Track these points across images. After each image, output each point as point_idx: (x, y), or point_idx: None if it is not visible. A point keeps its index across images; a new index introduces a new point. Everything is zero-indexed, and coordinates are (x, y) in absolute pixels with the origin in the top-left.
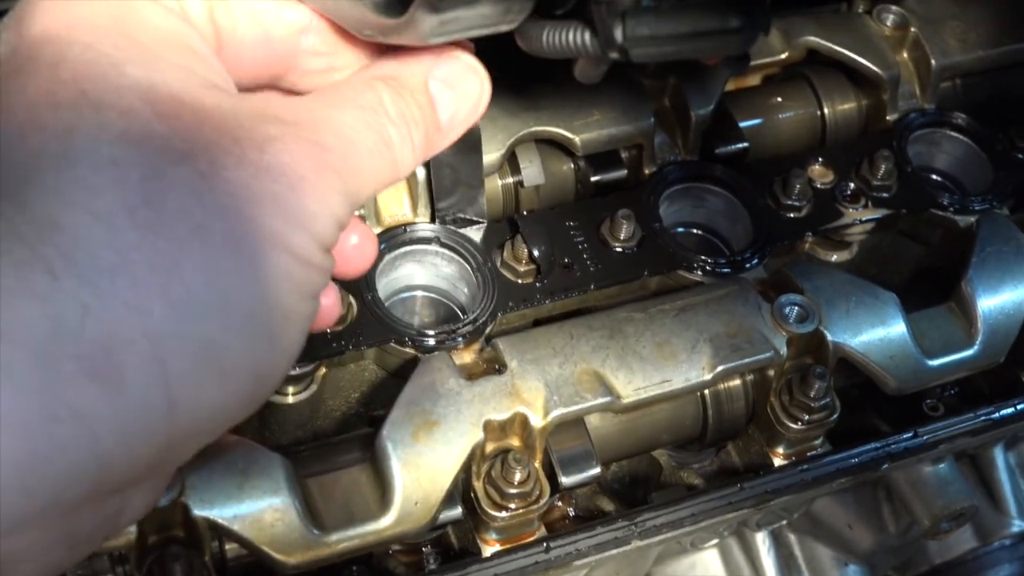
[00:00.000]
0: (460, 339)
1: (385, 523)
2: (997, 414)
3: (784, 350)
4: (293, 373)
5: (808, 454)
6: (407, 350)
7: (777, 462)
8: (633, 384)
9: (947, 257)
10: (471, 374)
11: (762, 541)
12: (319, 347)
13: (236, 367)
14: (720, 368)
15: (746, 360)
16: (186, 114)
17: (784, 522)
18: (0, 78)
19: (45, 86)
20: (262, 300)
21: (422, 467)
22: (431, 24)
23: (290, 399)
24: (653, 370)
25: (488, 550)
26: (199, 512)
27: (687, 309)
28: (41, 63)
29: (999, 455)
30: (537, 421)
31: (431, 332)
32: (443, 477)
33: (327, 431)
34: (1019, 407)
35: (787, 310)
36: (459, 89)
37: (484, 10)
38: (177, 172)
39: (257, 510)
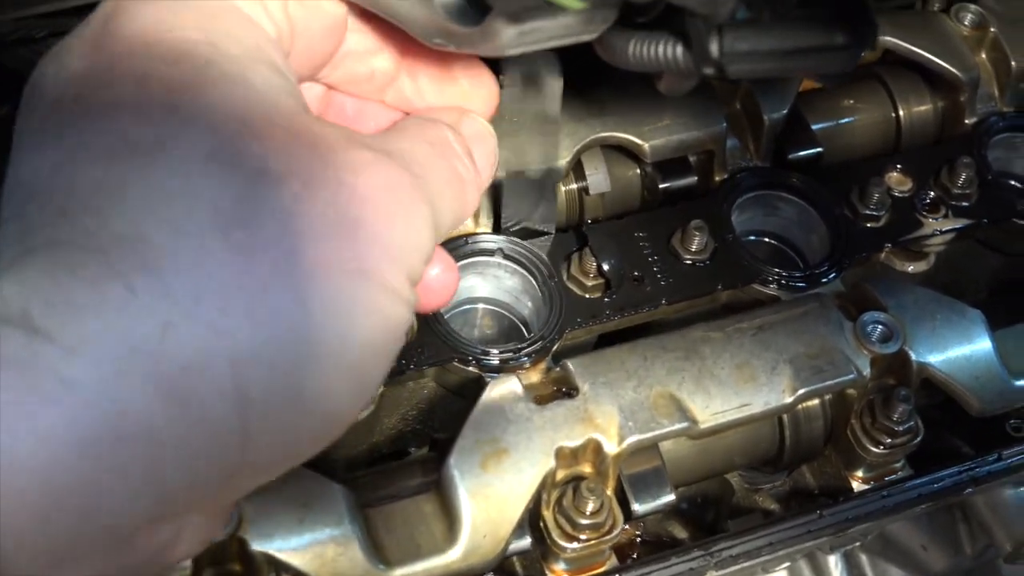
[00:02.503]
0: (525, 359)
1: (452, 557)
2: None
3: (868, 371)
4: None
5: (888, 478)
6: (470, 369)
7: (856, 486)
8: (711, 408)
9: None
10: (539, 396)
11: (834, 564)
12: None
13: (314, 401)
14: (802, 391)
15: (828, 383)
16: (279, 134)
17: (857, 544)
18: (83, 94)
19: (132, 101)
20: (350, 334)
21: (491, 498)
22: (510, 35)
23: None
24: (732, 393)
25: None
26: (258, 547)
27: (766, 328)
28: (128, 78)
29: None
30: (611, 448)
31: (495, 351)
32: (513, 508)
33: (382, 449)
34: None
35: (870, 328)
36: (481, 147)
37: (567, 20)
38: (273, 194)
39: (319, 544)
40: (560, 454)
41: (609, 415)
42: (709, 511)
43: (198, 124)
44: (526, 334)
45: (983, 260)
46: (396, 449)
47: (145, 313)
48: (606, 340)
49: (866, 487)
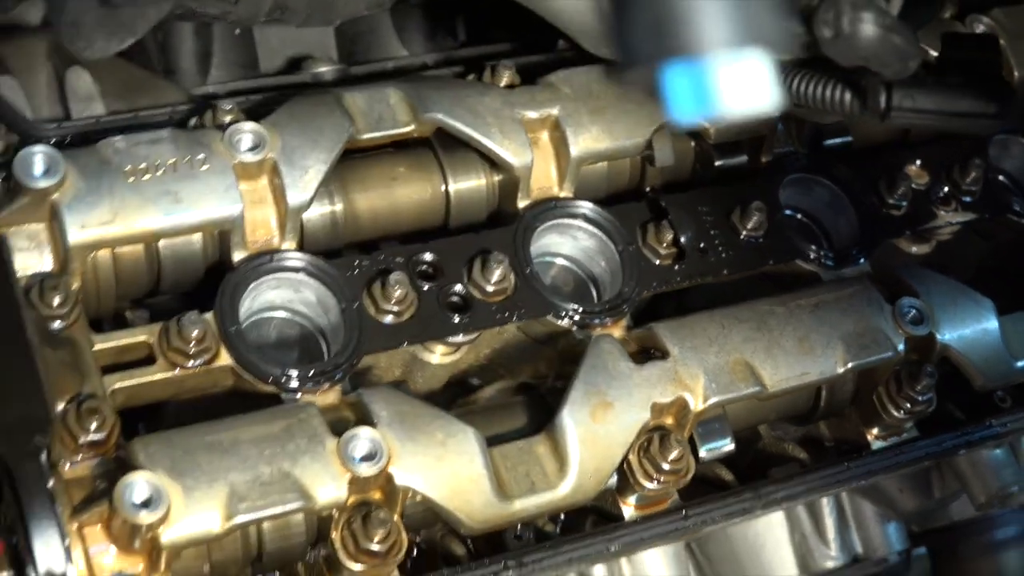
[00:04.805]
0: (606, 318)
1: (562, 493)
2: None
3: (902, 349)
4: (457, 340)
5: (901, 437)
6: (560, 323)
7: (872, 441)
8: (778, 375)
9: (1011, 258)
10: (632, 354)
11: (826, 502)
12: (484, 317)
13: None
14: (851, 365)
15: (873, 359)
16: None
17: None
18: None
19: None
20: None
21: (598, 444)
22: None
23: (436, 359)
24: (795, 362)
25: (626, 512)
26: (403, 481)
27: (821, 306)
28: None
29: None
30: (696, 406)
31: (581, 309)
32: (615, 452)
33: (460, 384)
34: None
35: (906, 312)
36: None
37: None
38: None
39: (455, 479)
40: (653, 408)
41: (696, 377)
42: (740, 457)
43: None
44: (593, 290)
45: (971, 245)
46: (460, 380)
47: None
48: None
49: (883, 444)
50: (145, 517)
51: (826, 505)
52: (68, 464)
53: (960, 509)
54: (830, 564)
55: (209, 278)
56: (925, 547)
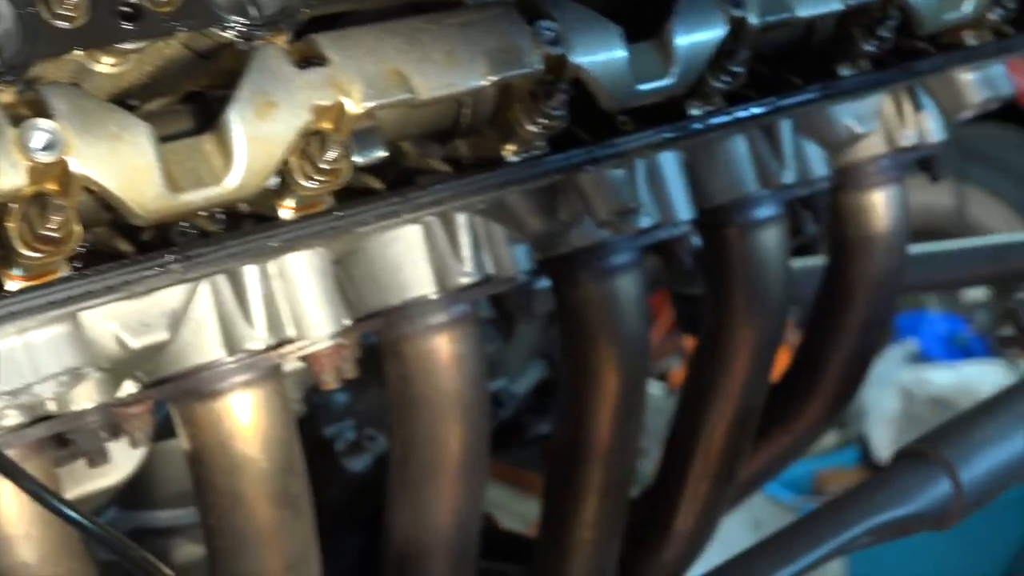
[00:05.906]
0: (269, 31)
1: (228, 187)
2: (676, 131)
3: (540, 67)
4: (127, 47)
5: (533, 153)
6: (225, 35)
7: (507, 156)
8: (428, 84)
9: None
10: (296, 62)
11: (463, 221)
12: (154, 26)
13: None
14: (496, 78)
15: (513, 73)
16: None
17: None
18: None
19: None
20: None
21: (262, 141)
22: None
23: (108, 69)
24: (444, 73)
25: (284, 214)
26: (79, 170)
27: (467, 24)
28: None
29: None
30: (354, 109)
31: (248, 22)
32: (277, 150)
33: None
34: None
35: (543, 32)
36: None
37: None
38: None
39: (129, 171)
40: (314, 110)
41: (354, 82)
42: (389, 172)
43: None
44: (254, 10)
45: None
46: (121, 100)
47: None
48: None
49: (517, 158)
50: None
51: (462, 224)
52: None
53: (579, 237)
54: (465, 281)
55: None
56: (548, 272)
